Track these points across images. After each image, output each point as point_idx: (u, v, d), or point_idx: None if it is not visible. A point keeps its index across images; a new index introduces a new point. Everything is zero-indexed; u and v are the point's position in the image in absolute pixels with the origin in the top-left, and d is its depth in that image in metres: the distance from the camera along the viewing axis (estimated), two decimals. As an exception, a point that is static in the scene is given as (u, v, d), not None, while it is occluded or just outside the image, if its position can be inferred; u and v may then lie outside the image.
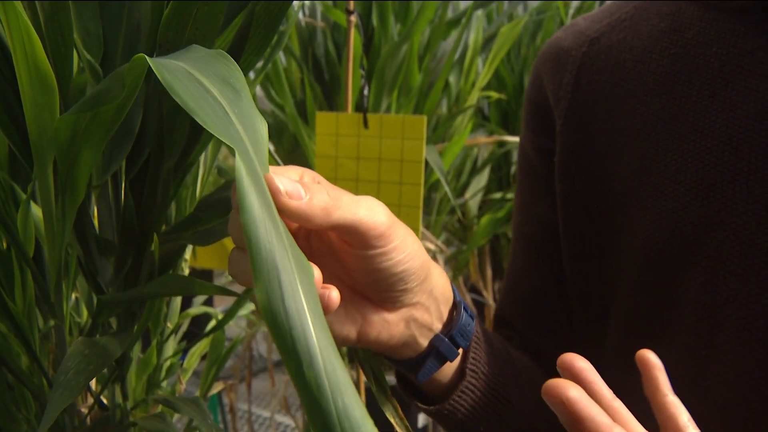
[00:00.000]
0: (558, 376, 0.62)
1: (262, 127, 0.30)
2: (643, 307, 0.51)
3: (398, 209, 0.92)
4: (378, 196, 0.98)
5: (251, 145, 0.28)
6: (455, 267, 1.54)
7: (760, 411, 0.45)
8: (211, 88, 0.29)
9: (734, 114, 0.48)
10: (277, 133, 1.35)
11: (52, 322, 0.57)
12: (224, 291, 0.48)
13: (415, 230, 0.92)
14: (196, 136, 0.47)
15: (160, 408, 0.71)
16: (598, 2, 1.96)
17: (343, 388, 0.23)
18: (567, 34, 0.60)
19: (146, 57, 0.29)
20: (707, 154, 0.48)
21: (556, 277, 0.62)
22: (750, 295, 0.45)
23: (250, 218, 0.25)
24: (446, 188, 1.04)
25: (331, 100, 1.37)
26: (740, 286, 0.46)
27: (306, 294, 0.25)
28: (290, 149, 1.34)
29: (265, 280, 0.24)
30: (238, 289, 1.16)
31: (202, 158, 0.75)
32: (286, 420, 1.93)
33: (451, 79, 1.54)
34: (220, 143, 0.64)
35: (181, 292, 0.54)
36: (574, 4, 1.97)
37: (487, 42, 1.67)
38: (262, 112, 1.44)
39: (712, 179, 0.48)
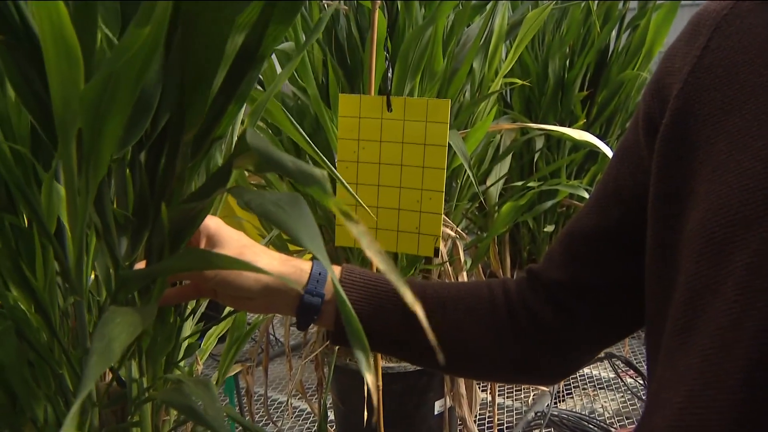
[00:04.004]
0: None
1: None
2: (698, 282, 0.49)
3: (420, 193, 0.91)
4: (400, 180, 0.97)
5: None
6: (475, 255, 1.52)
7: None
8: None
9: None
10: (298, 116, 1.34)
11: (71, 299, 0.57)
12: (244, 265, 0.48)
13: (437, 214, 0.91)
14: (221, 108, 0.47)
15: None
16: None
17: None
18: None
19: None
20: None
21: (618, 229, 0.62)
22: None
23: None
24: (470, 173, 1.02)
25: (354, 84, 1.36)
26: None
27: None
28: (311, 132, 1.33)
29: None
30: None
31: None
32: (302, 405, 1.94)
33: (475, 64, 1.52)
34: (255, 117, 0.63)
35: (199, 266, 0.54)
36: (601, -9, 1.93)
37: (512, 28, 1.64)
38: (284, 95, 1.41)
39: None
